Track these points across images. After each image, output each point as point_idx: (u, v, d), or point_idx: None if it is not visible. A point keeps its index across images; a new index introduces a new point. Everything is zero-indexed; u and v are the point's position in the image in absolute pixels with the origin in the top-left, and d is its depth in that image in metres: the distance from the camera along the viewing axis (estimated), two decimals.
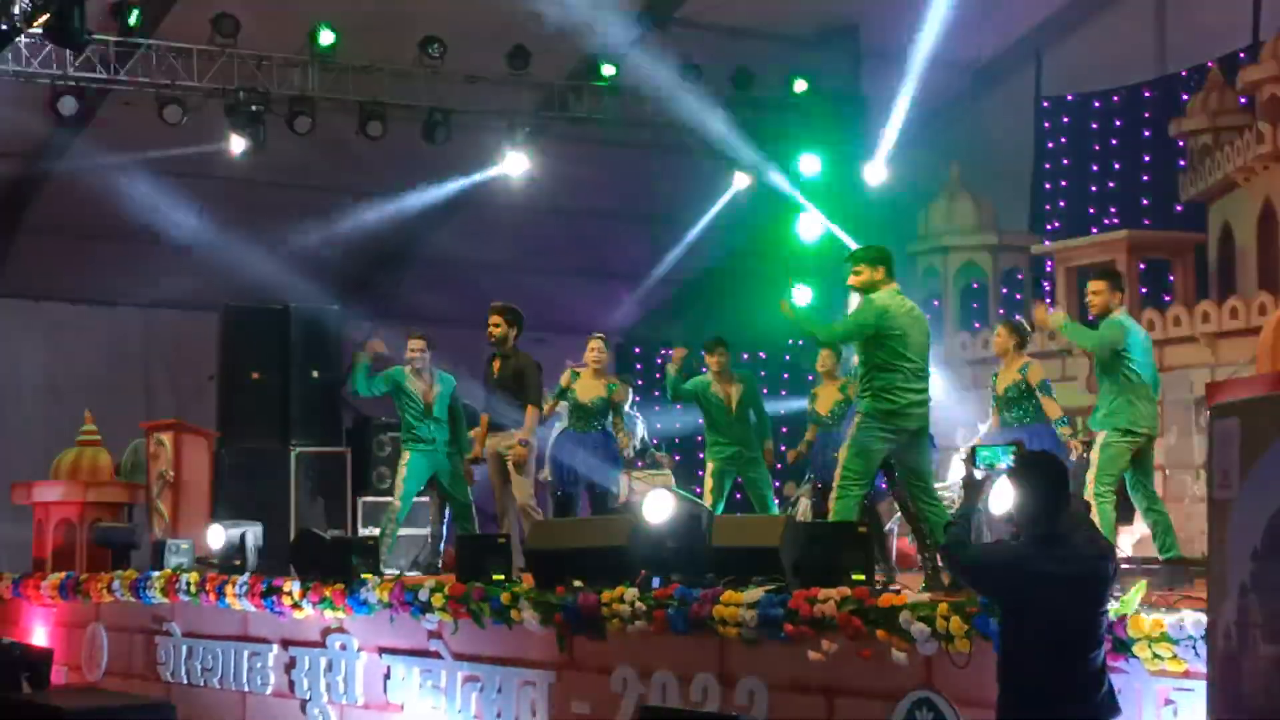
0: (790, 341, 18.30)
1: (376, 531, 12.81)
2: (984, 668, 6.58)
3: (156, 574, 12.54)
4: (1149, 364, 9.84)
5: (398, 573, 11.39)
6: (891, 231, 17.77)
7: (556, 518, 12.47)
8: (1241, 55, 16.73)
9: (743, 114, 17.23)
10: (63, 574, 13.90)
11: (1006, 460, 6.61)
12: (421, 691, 10.29)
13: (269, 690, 11.52)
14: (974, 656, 7.22)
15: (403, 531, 14.27)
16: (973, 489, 6.70)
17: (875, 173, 17.34)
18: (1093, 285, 10.00)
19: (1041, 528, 6.18)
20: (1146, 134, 18.23)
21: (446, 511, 12.74)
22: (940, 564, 8.77)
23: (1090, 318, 10.31)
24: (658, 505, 9.50)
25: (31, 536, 14.77)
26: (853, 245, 15.81)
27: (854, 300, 10.08)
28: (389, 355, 12.54)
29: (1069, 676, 6.04)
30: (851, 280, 9.42)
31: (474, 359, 13.35)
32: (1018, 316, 12.91)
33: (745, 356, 20.13)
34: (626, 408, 14.73)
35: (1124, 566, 9.97)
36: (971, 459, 6.71)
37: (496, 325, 11.85)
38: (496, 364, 11.85)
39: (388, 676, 10.57)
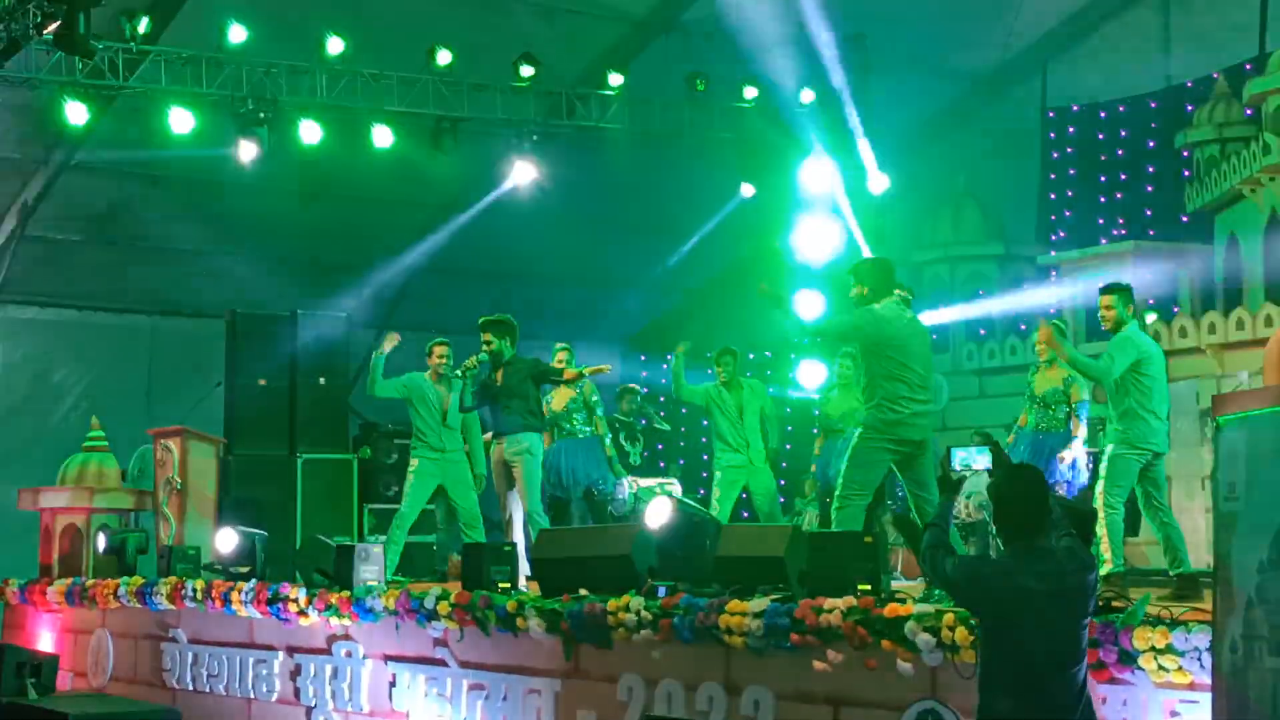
0: (795, 341, 18.30)
1: (384, 539, 12.84)
2: None
3: (163, 580, 12.56)
4: (1162, 379, 9.79)
5: (403, 580, 11.42)
6: (898, 241, 17.82)
7: (553, 523, 12.55)
8: (1248, 66, 16.72)
9: (748, 122, 17.25)
10: (69, 580, 13.93)
11: (982, 461, 6.60)
12: (427, 699, 10.30)
13: (274, 697, 11.53)
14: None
15: (405, 539, 14.37)
16: (948, 489, 6.68)
17: (881, 183, 17.34)
18: (1104, 300, 9.93)
19: (1023, 540, 6.13)
20: (1152, 145, 18.24)
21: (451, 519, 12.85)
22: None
23: (1104, 330, 10.32)
24: (657, 512, 9.54)
25: (38, 542, 14.81)
26: (860, 255, 15.95)
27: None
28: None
29: (1049, 690, 5.98)
30: (853, 293, 9.51)
31: None
32: (1050, 315, 12.99)
33: (751, 357, 20.16)
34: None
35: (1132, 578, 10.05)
36: (947, 459, 6.71)
37: (489, 342, 11.84)
38: (499, 374, 11.86)
39: (393, 684, 10.59)
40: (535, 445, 11.80)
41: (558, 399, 13.39)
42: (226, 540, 12.47)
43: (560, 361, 13.07)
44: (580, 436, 13.65)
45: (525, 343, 12.29)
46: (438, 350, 12.65)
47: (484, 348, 11.84)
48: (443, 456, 12.40)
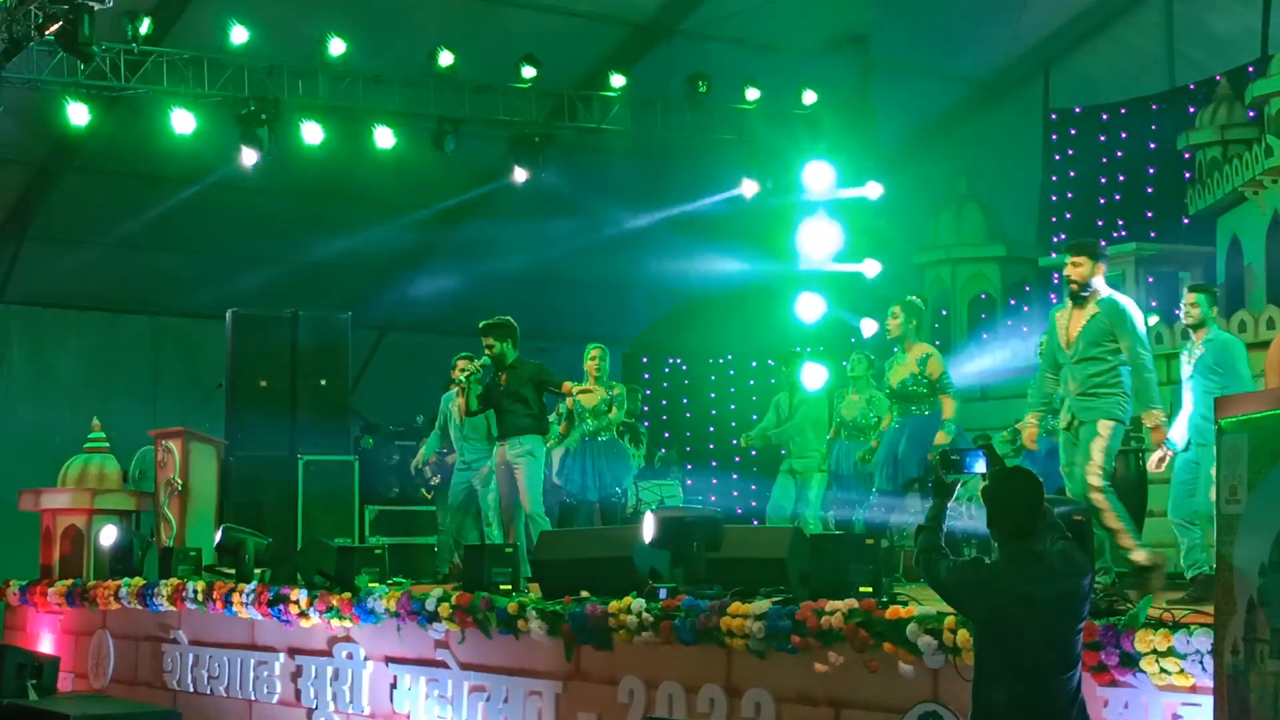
0: (797, 349, 18.30)
1: (386, 541, 13.06)
2: None
3: (164, 582, 12.56)
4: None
5: (404, 581, 11.43)
6: (900, 243, 17.80)
7: (561, 526, 12.58)
8: (1250, 69, 16.70)
9: (751, 124, 17.25)
10: (70, 581, 13.93)
11: (977, 465, 6.56)
12: (428, 701, 10.30)
13: (275, 699, 11.53)
14: None
15: (407, 541, 14.47)
16: (942, 492, 6.65)
17: (883, 185, 17.32)
18: (1189, 298, 9.96)
19: (1016, 543, 6.09)
20: (1154, 147, 18.20)
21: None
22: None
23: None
24: (649, 527, 9.53)
25: (39, 543, 14.81)
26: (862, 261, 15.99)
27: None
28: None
29: (1042, 696, 5.94)
30: (1070, 271, 9.25)
31: None
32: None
33: (754, 365, 20.16)
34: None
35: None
36: (942, 462, 6.66)
37: (490, 346, 11.90)
38: (504, 378, 11.88)
39: (394, 686, 10.59)
40: (537, 447, 11.85)
41: (587, 397, 13.40)
42: (220, 536, 12.58)
43: (594, 358, 13.25)
44: (603, 439, 13.62)
45: (526, 344, 12.31)
46: (461, 363, 12.94)
47: (486, 351, 11.90)
48: (467, 467, 12.69)
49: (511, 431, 11.83)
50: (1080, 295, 9.23)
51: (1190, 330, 10.05)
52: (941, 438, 11.28)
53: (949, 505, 6.63)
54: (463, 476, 12.85)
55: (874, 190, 17.16)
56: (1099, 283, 9.26)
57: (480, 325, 12.04)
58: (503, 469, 11.90)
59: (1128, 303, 9.30)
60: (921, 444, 11.47)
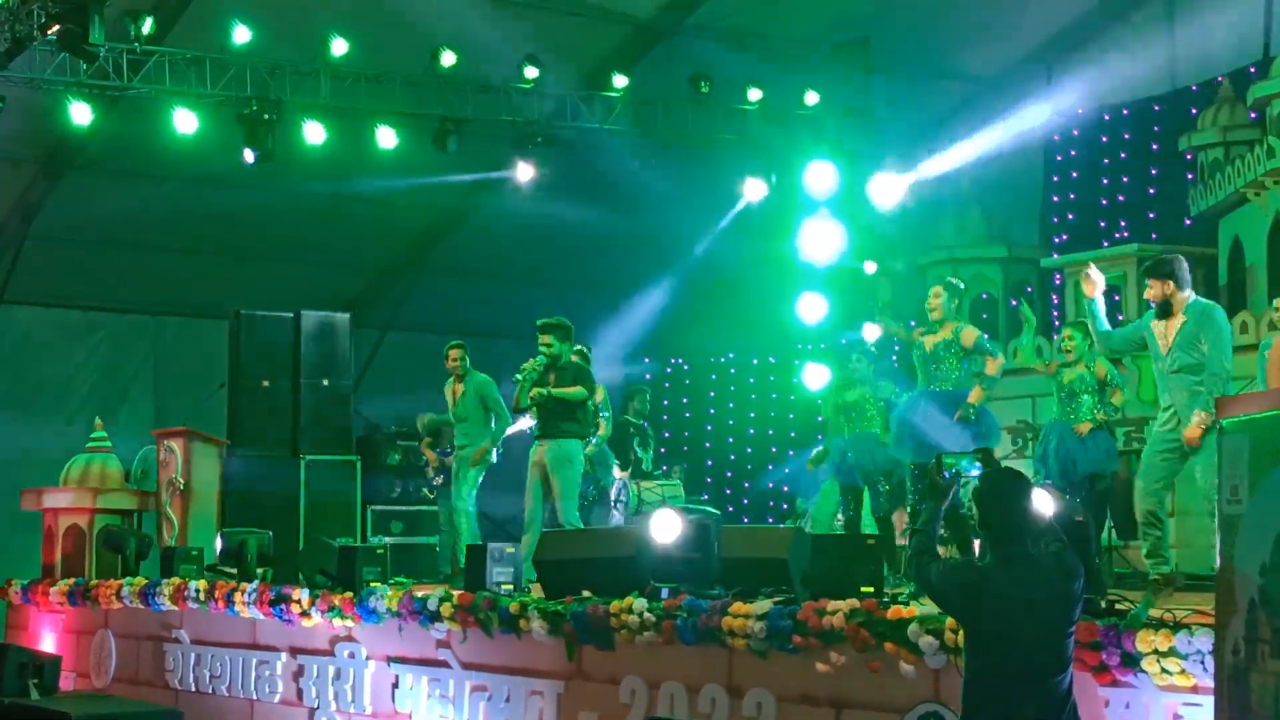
0: (799, 347, 18.33)
1: (388, 540, 13.14)
2: None
3: (166, 581, 12.57)
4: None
5: (406, 581, 11.44)
6: (902, 243, 17.79)
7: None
8: (1252, 70, 16.71)
9: (753, 125, 17.24)
10: (72, 580, 13.94)
11: (971, 468, 6.56)
12: (430, 701, 10.31)
13: (277, 698, 11.54)
14: None
15: (409, 541, 14.48)
16: (937, 495, 6.64)
17: (885, 185, 17.31)
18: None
19: (1007, 547, 6.06)
20: (1156, 148, 18.19)
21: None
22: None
23: None
24: (665, 525, 9.52)
25: (41, 543, 14.82)
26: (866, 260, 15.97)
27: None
28: None
29: (1033, 699, 5.93)
30: (1148, 294, 9.48)
31: (482, 366, 13.54)
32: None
33: (755, 362, 20.16)
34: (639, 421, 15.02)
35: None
36: (937, 465, 6.66)
37: (549, 345, 11.79)
38: (553, 378, 11.82)
39: (396, 686, 10.60)
40: (576, 455, 11.80)
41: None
42: (221, 544, 12.57)
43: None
44: None
45: (528, 345, 12.31)
46: (450, 353, 13.20)
47: (543, 350, 11.79)
48: (459, 452, 12.83)
49: (554, 434, 11.80)
50: (1166, 309, 9.37)
51: None
52: (977, 393, 11.21)
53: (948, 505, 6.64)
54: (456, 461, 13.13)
55: (879, 188, 17.14)
56: (1183, 293, 9.33)
57: (539, 323, 11.95)
58: (537, 470, 11.83)
59: (1214, 307, 9.45)
60: (937, 417, 11.33)
